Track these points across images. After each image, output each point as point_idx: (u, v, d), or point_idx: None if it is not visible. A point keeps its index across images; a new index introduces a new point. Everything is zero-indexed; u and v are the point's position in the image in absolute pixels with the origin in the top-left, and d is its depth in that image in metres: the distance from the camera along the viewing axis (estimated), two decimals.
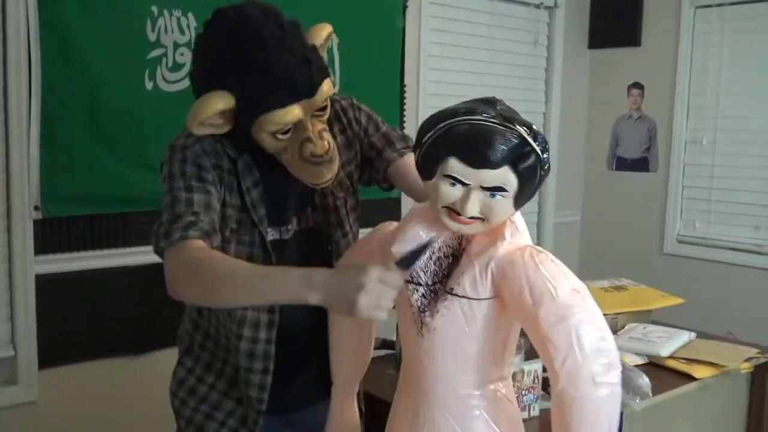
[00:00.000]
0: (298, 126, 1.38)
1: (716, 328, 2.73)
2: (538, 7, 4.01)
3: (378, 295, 1.17)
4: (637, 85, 4.14)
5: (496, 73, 3.86)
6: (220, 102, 1.34)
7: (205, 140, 1.46)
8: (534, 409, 1.93)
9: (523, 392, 1.91)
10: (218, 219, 1.43)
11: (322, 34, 1.44)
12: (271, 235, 1.52)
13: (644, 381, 2.00)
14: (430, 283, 1.29)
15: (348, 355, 1.54)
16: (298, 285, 1.22)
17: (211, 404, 1.60)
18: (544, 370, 1.71)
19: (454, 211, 1.21)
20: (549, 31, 4.11)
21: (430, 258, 1.30)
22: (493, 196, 1.19)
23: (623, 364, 2.02)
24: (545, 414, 1.89)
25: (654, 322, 2.55)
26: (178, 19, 2.59)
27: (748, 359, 2.31)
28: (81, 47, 2.40)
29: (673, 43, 3.97)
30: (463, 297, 1.23)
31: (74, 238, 2.49)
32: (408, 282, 1.29)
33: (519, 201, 1.22)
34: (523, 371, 1.93)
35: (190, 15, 2.62)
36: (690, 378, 2.18)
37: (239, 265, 1.34)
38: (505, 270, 1.21)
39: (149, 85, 2.56)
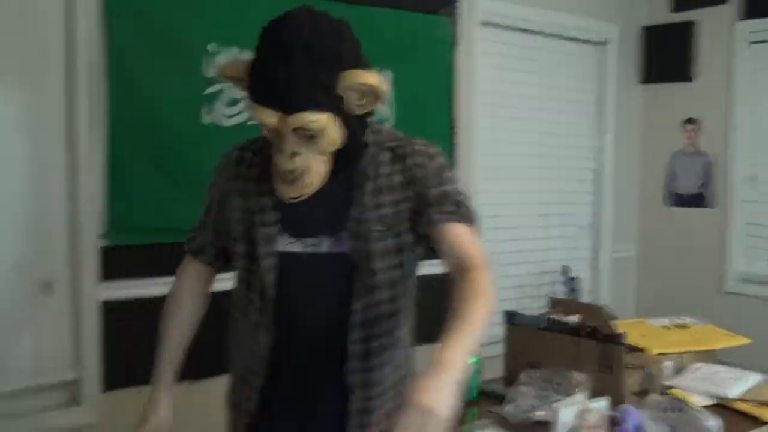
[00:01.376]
0: (278, 134, 1.40)
1: None
2: (590, 43, 4.04)
3: None
4: (692, 121, 4.11)
5: (548, 109, 3.88)
6: (239, 66, 1.44)
7: (237, 150, 1.61)
8: None
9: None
10: (213, 234, 1.67)
11: (358, 78, 1.38)
12: (289, 245, 1.52)
13: (714, 423, 1.91)
14: None
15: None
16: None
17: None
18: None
19: None
20: (601, 66, 4.12)
21: None
22: None
23: (689, 405, 1.98)
24: None
25: (720, 363, 2.47)
26: (236, 56, 2.68)
27: None
28: (143, 82, 2.49)
29: (727, 78, 3.94)
30: None
31: (137, 265, 2.55)
32: None
33: None
34: (589, 410, 1.90)
35: (246, 53, 2.73)
36: (760, 422, 2.10)
37: (164, 336, 1.76)
38: None
39: (206, 120, 2.64)
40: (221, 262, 1.70)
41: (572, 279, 3.85)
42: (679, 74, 4.13)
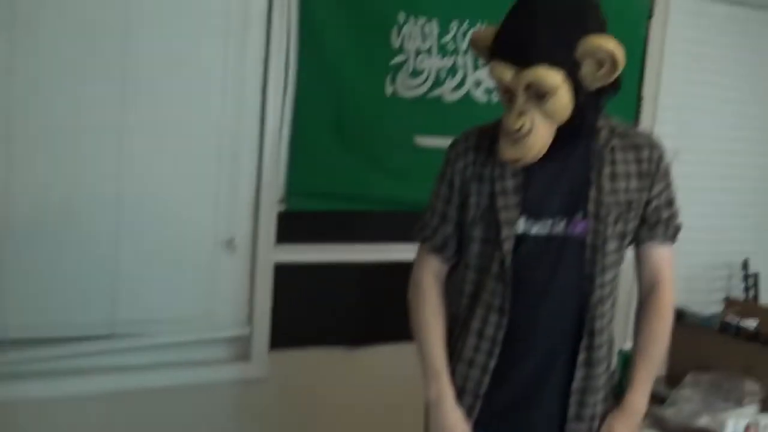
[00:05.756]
0: (512, 93, 1.46)
1: None
2: None
3: None
4: None
5: (743, 88, 3.57)
6: (485, 33, 1.53)
7: (473, 136, 1.63)
8: None
9: None
10: (453, 227, 1.66)
11: (597, 43, 1.42)
12: (525, 226, 1.56)
13: None
14: None
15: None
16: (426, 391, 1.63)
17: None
18: None
19: None
20: None
21: None
22: None
23: None
24: None
25: None
26: (422, 26, 2.66)
27: None
28: (332, 52, 2.53)
29: None
30: None
31: (311, 231, 2.64)
32: None
33: None
34: (758, 424, 1.80)
35: (434, 21, 2.68)
36: None
37: (426, 334, 1.65)
38: None
39: (389, 91, 2.65)
40: (459, 254, 1.69)
41: (753, 275, 3.57)
42: None
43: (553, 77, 1.42)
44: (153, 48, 2.29)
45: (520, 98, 1.45)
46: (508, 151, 1.50)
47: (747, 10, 3.50)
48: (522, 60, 1.42)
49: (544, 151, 1.50)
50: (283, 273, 2.60)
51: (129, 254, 2.34)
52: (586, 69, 1.44)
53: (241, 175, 2.49)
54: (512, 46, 1.44)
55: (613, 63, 1.42)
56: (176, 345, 2.47)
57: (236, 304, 2.56)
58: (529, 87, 1.44)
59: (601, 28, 1.47)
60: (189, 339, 2.48)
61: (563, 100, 1.45)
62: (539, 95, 1.44)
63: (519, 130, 1.45)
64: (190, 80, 2.37)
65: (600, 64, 1.43)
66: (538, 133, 1.46)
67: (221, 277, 2.52)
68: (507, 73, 1.45)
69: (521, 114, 1.45)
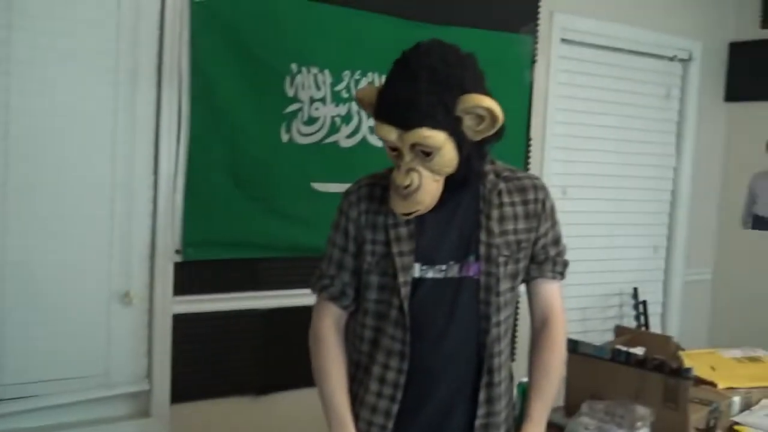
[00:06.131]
0: (397, 152, 1.53)
1: None
2: (671, 59, 3.92)
3: None
4: None
5: (625, 127, 3.81)
6: (366, 92, 1.59)
7: (365, 186, 1.66)
8: None
9: None
10: (350, 275, 1.68)
11: (475, 101, 1.48)
12: (422, 272, 1.60)
13: None
14: None
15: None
16: None
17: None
18: None
19: None
20: (683, 83, 4.01)
21: None
22: None
23: None
24: None
25: None
26: (315, 75, 2.71)
27: None
28: (224, 101, 2.54)
29: None
30: None
31: (210, 280, 2.62)
32: None
33: None
34: None
35: (326, 72, 2.74)
36: None
37: (327, 383, 1.65)
38: None
39: (285, 138, 2.68)
40: (358, 301, 1.71)
41: (642, 302, 3.75)
42: (766, 92, 3.97)
43: (435, 138, 1.48)
44: (36, 102, 2.24)
45: (407, 156, 1.51)
46: (399, 206, 1.55)
47: (620, 54, 3.74)
48: (404, 124, 1.48)
49: (434, 203, 1.56)
50: (183, 324, 2.56)
51: (15, 315, 2.25)
52: (468, 124, 1.51)
53: (135, 226, 2.45)
54: (395, 110, 1.48)
55: (493, 118, 1.50)
56: (72, 405, 2.38)
57: (134, 359, 2.50)
58: (414, 146, 1.50)
59: (479, 84, 1.53)
60: (85, 398, 2.39)
61: (448, 156, 1.51)
62: (425, 153, 1.50)
63: (408, 186, 1.51)
64: (77, 132, 2.33)
65: (480, 119, 1.50)
66: (426, 189, 1.52)
67: (118, 332, 2.45)
68: (392, 133, 1.50)
69: (409, 171, 1.51)
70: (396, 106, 1.48)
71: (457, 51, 1.54)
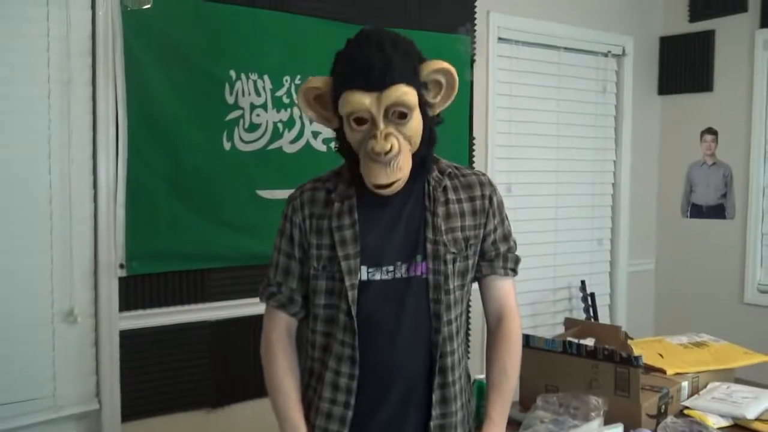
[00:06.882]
0: (371, 121, 1.50)
1: None
2: (606, 55, 4.01)
3: None
4: (711, 131, 4.08)
5: (565, 122, 3.87)
6: (318, 81, 1.57)
7: (308, 190, 1.65)
8: None
9: None
10: (297, 281, 1.66)
11: (432, 66, 1.55)
12: (369, 274, 1.58)
13: None
14: None
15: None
16: None
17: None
18: None
19: None
20: (618, 78, 4.11)
21: None
22: None
23: (706, 427, 1.96)
24: None
25: (738, 381, 2.46)
26: (255, 82, 2.69)
27: None
28: (164, 109, 2.51)
29: (747, 88, 3.91)
30: None
31: (156, 294, 2.57)
32: None
33: None
34: None
35: (266, 77, 2.72)
36: None
37: (279, 394, 1.62)
38: None
39: (227, 146, 2.65)
40: (305, 309, 1.69)
41: (590, 295, 3.81)
42: (698, 84, 4.11)
43: (412, 95, 1.50)
44: None
45: (381, 123, 1.49)
46: (381, 176, 1.51)
47: (557, 51, 3.80)
48: (382, 83, 1.47)
49: (407, 178, 1.55)
50: (130, 340, 2.50)
51: None
52: (429, 93, 1.55)
53: (76, 242, 2.39)
54: (370, 73, 1.47)
55: (451, 83, 1.56)
56: (20, 429, 2.31)
57: (82, 379, 2.44)
58: (389, 110, 1.49)
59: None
60: (33, 422, 2.32)
61: (417, 120, 1.53)
62: (401, 115, 1.50)
63: (390, 151, 1.48)
64: (11, 148, 2.27)
65: (438, 88, 1.56)
66: (405, 155, 1.53)
67: (63, 352, 2.39)
68: (365, 99, 1.48)
69: (387, 136, 1.49)
70: (371, 69, 1.47)
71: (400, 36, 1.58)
